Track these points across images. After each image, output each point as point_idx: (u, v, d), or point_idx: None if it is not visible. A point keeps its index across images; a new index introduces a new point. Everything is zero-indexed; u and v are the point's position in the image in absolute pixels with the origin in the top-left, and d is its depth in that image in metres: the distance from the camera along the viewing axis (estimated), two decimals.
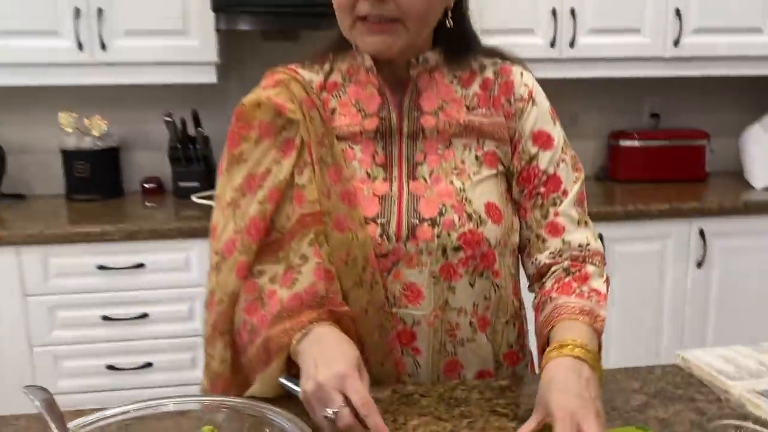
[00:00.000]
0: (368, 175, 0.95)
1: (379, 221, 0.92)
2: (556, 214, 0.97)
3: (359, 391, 0.75)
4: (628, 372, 0.98)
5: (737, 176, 2.72)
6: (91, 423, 0.69)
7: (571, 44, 2.42)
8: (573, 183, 0.99)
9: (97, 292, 2.07)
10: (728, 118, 2.93)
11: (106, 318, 2.06)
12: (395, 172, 0.95)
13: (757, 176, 2.58)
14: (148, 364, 2.11)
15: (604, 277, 0.96)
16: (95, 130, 2.43)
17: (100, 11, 2.19)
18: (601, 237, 2.17)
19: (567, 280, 0.94)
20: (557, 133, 1.00)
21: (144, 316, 2.09)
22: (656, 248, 2.32)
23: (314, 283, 0.89)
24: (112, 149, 2.51)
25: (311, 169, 0.92)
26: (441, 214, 0.92)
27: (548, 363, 0.82)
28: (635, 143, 2.71)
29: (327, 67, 1.00)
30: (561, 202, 0.97)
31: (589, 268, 0.95)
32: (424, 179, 0.94)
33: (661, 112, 2.89)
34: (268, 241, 0.93)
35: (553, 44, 2.41)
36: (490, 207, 0.94)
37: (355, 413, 0.74)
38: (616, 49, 2.46)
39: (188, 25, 2.24)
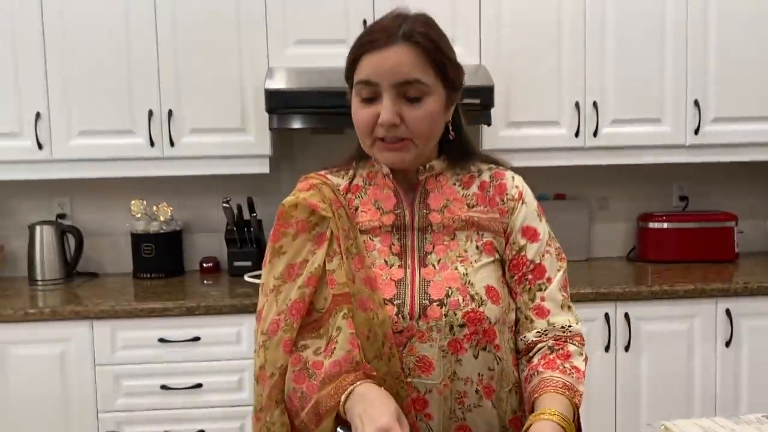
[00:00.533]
0: (386, 262, 1.12)
1: (395, 302, 1.08)
2: (542, 299, 1.13)
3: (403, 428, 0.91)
4: None
5: (767, 257, 2.79)
6: None
7: (595, 134, 2.60)
8: (557, 271, 1.15)
9: (158, 363, 2.28)
10: (759, 201, 3.03)
11: (164, 387, 2.26)
12: (408, 260, 1.12)
13: None
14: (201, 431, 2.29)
15: (584, 356, 1.11)
16: (162, 215, 2.72)
17: (170, 112, 2.51)
18: (627, 316, 2.30)
19: (552, 357, 1.09)
20: (543, 228, 1.17)
21: (198, 386, 2.28)
22: (684, 327, 2.40)
23: (350, 351, 1.04)
24: (175, 232, 2.79)
25: (340, 257, 1.11)
26: (447, 296, 1.08)
27: (533, 424, 0.97)
28: (664, 225, 2.83)
29: (351, 173, 1.21)
30: (546, 287, 1.13)
31: (571, 348, 1.10)
32: (433, 266, 1.11)
33: (690, 195, 3.02)
34: (309, 321, 1.10)
35: (577, 134, 2.60)
36: (489, 289, 1.10)
37: None
38: (638, 138, 2.63)
39: (246, 123, 2.53)
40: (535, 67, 2.58)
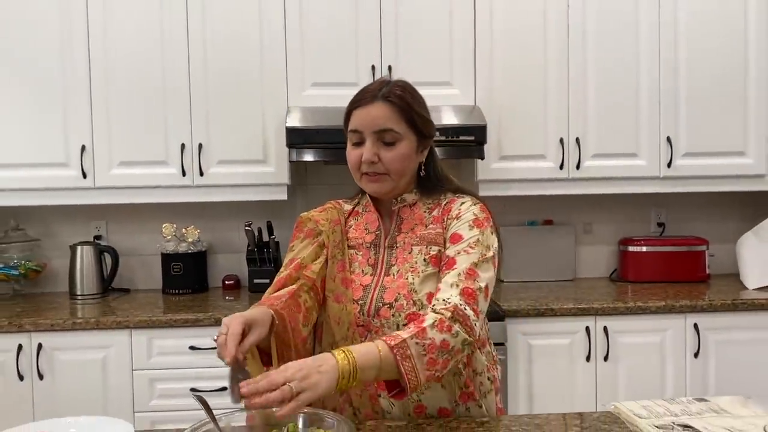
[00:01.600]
0: (362, 271, 1.44)
1: (360, 302, 1.40)
2: (439, 282, 1.33)
3: (236, 325, 1.16)
4: (573, 415, 1.40)
5: (735, 278, 3.09)
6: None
7: (578, 166, 2.91)
8: (465, 263, 1.32)
9: (188, 368, 2.57)
10: (730, 227, 3.33)
11: (194, 390, 2.54)
12: (378, 270, 1.43)
13: (750, 278, 2.95)
14: None
15: (433, 321, 1.21)
16: (190, 237, 3.03)
17: (200, 146, 2.83)
18: (606, 329, 2.57)
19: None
20: (469, 234, 1.36)
21: (224, 389, 2.56)
22: (657, 340, 2.68)
23: (282, 295, 1.34)
24: (201, 252, 3.09)
25: (324, 260, 1.44)
26: (396, 300, 1.37)
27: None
28: (642, 248, 3.13)
29: (356, 201, 1.56)
30: (447, 274, 1.32)
31: (428, 315, 1.24)
32: (393, 275, 1.41)
33: (666, 221, 3.32)
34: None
35: (561, 167, 2.91)
36: (430, 296, 1.34)
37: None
38: (616, 170, 2.93)
39: (267, 156, 2.85)
40: (524, 107, 2.90)
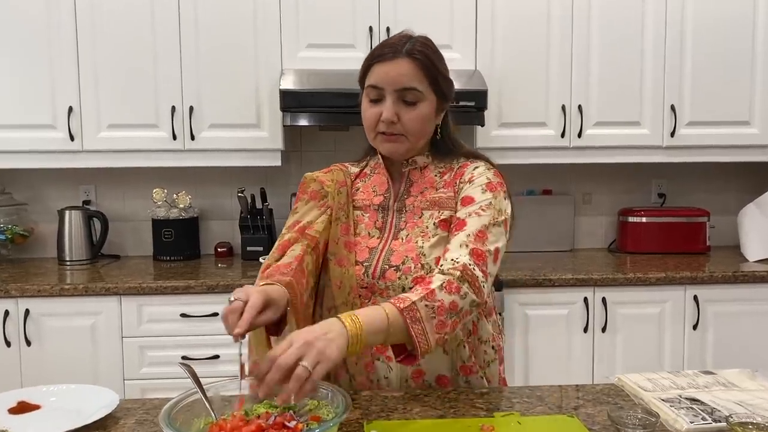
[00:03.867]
0: (369, 234, 1.39)
1: (365, 264, 1.34)
2: (449, 242, 1.27)
3: (258, 297, 1.09)
4: (576, 386, 1.35)
5: (736, 250, 3.05)
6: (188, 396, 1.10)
7: (579, 135, 2.84)
8: (477, 225, 1.27)
9: (179, 335, 2.52)
10: (731, 198, 3.28)
11: (185, 357, 2.50)
12: (386, 234, 1.38)
13: (750, 250, 2.91)
14: None
15: (442, 282, 1.17)
16: (181, 203, 2.96)
17: (191, 109, 2.74)
18: (604, 300, 2.54)
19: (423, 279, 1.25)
20: (482, 197, 1.31)
21: (216, 357, 2.52)
22: (655, 312, 2.64)
23: (290, 263, 1.27)
24: (193, 219, 3.02)
25: (328, 220, 1.38)
26: (403, 263, 1.32)
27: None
28: (642, 219, 3.07)
29: (364, 163, 1.50)
30: (456, 235, 1.27)
31: (436, 276, 1.19)
32: (402, 239, 1.36)
33: (667, 192, 3.27)
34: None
35: (563, 135, 2.84)
36: (438, 260, 1.28)
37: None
38: (618, 139, 2.87)
39: (260, 120, 2.77)
40: (525, 72, 2.82)
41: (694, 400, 1.22)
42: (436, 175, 1.42)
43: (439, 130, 1.41)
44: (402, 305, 1.12)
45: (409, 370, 1.34)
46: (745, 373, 1.37)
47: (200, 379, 1.12)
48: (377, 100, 1.33)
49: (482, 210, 1.30)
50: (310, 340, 0.99)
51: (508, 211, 1.34)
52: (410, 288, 1.27)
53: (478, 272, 1.21)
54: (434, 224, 1.35)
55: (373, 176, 1.46)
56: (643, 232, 3.08)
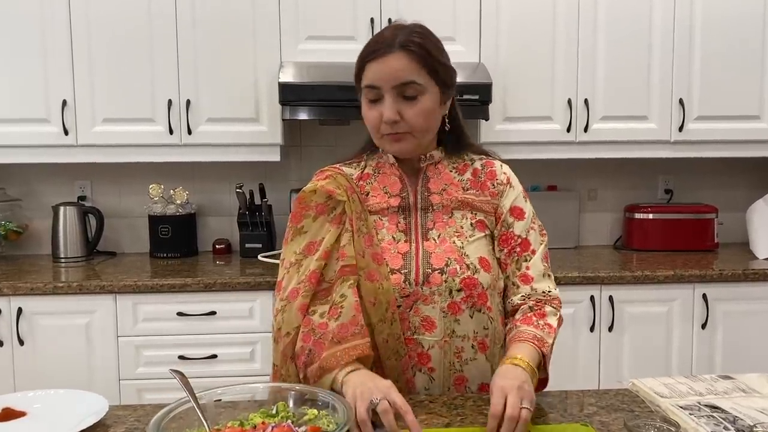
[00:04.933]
0: (393, 238, 1.30)
1: (402, 271, 1.25)
2: (527, 268, 1.32)
3: (400, 396, 1.05)
4: (589, 392, 1.29)
5: (745, 247, 2.98)
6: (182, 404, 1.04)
7: (585, 129, 2.78)
8: (539, 244, 1.35)
9: (176, 335, 2.46)
10: (740, 194, 3.21)
11: (182, 357, 2.44)
12: (413, 236, 1.30)
13: (760, 247, 2.84)
14: None
15: (558, 316, 1.32)
16: (178, 199, 2.89)
17: (188, 102, 2.68)
18: (611, 299, 2.48)
19: (530, 315, 1.30)
20: (528, 208, 1.37)
21: (213, 356, 2.46)
22: (663, 310, 2.58)
23: (355, 316, 1.21)
24: (190, 215, 2.96)
25: (351, 235, 1.28)
26: (447, 264, 1.26)
27: (500, 367, 1.17)
28: (649, 216, 3.01)
29: (362, 164, 1.39)
30: (531, 258, 1.33)
31: (547, 308, 1.30)
32: (434, 240, 1.29)
33: (674, 188, 3.20)
34: (319, 289, 1.27)
35: (569, 129, 2.77)
36: (482, 260, 1.28)
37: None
38: (626, 134, 2.80)
39: (259, 114, 2.70)
40: (530, 66, 2.75)
41: (714, 407, 1.15)
42: (452, 171, 1.36)
43: (446, 121, 1.34)
44: (545, 350, 1.25)
45: (452, 378, 1.29)
46: (765, 378, 1.31)
47: (200, 379, 1.05)
48: (376, 100, 1.26)
49: (533, 223, 1.36)
50: (520, 386, 1.08)
51: None
52: (458, 290, 1.26)
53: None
54: (471, 225, 1.31)
55: (378, 176, 1.36)
56: (649, 229, 3.01)
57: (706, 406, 1.16)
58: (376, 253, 1.27)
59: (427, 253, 1.28)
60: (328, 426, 0.97)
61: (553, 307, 1.32)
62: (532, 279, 1.32)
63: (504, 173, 1.38)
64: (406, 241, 1.29)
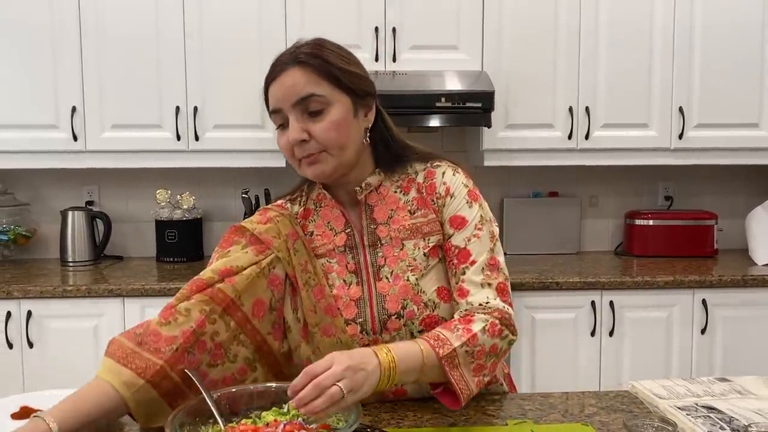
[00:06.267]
0: (344, 282, 1.20)
1: (358, 321, 1.18)
2: (463, 281, 1.18)
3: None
4: (589, 393, 1.33)
5: (744, 253, 3.02)
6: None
7: (586, 137, 2.82)
8: (485, 252, 1.19)
9: None
10: (739, 201, 3.25)
11: None
12: (364, 276, 1.20)
13: (759, 253, 2.88)
14: None
15: (488, 323, 1.12)
16: (184, 204, 2.93)
17: (195, 109, 2.72)
18: (611, 304, 2.51)
19: (454, 320, 1.15)
20: (471, 214, 1.21)
21: None
22: (663, 315, 2.61)
23: (176, 337, 1.08)
24: (196, 220, 3.00)
25: (257, 275, 1.15)
26: (404, 307, 1.17)
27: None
28: (649, 222, 3.05)
29: (303, 198, 1.27)
30: (468, 270, 1.18)
31: (477, 316, 1.13)
32: (387, 279, 1.19)
33: (674, 195, 3.24)
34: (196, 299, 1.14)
35: (570, 137, 2.81)
36: (440, 291, 1.19)
37: None
38: (626, 141, 2.84)
39: (265, 121, 2.74)
40: (532, 74, 2.79)
41: (710, 408, 1.19)
42: (396, 192, 1.25)
43: (368, 135, 1.21)
44: (441, 352, 1.07)
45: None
46: (762, 380, 1.34)
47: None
48: (284, 125, 1.16)
49: (478, 230, 1.20)
50: (352, 367, 0.96)
51: (490, 213, 1.26)
52: (419, 332, 1.17)
53: (509, 310, 1.17)
54: (424, 255, 1.20)
55: (320, 211, 1.24)
56: (650, 235, 3.05)
57: (702, 407, 1.20)
58: (330, 305, 1.18)
59: (381, 296, 1.19)
60: (337, 423, 1.01)
61: (485, 314, 1.14)
62: (467, 293, 1.17)
63: (443, 183, 1.23)
64: (357, 284, 1.20)
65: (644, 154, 2.87)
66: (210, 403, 1.02)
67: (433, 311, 1.18)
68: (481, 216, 1.22)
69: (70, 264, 2.89)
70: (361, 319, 1.18)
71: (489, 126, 2.70)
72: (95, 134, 2.71)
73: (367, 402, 1.23)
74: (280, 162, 2.79)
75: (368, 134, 1.21)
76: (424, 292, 1.19)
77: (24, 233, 2.94)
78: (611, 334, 2.59)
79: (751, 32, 2.83)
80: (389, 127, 1.27)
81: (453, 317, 1.18)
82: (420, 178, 1.25)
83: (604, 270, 2.75)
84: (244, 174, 3.05)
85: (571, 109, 2.81)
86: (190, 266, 2.87)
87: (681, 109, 2.83)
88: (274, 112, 1.18)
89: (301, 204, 1.27)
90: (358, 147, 1.20)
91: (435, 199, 1.23)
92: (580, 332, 2.59)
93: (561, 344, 2.59)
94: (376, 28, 2.72)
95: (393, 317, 1.18)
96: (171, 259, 2.95)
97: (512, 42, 2.78)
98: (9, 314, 2.43)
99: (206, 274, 1.17)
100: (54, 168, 2.85)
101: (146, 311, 2.48)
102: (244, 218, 2.93)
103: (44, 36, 2.67)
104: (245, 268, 1.16)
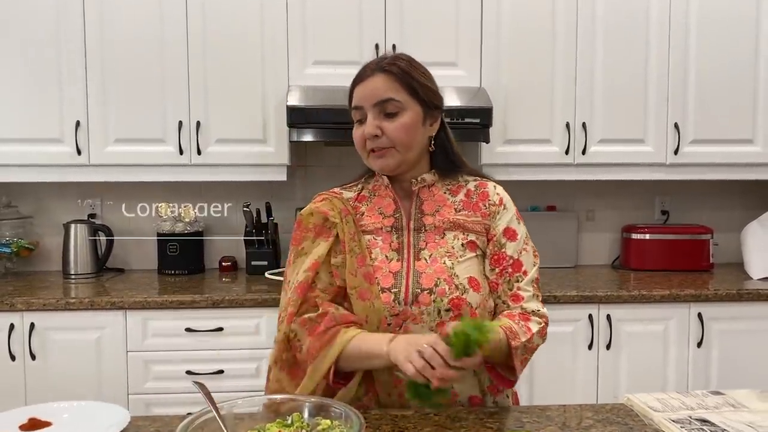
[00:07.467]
0: (386, 257, 1.35)
1: (392, 290, 1.31)
2: (518, 288, 1.36)
3: (443, 347, 1.12)
4: (586, 406, 1.35)
5: (739, 267, 3.05)
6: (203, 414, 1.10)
7: (583, 152, 2.86)
8: (532, 266, 1.38)
9: (184, 350, 2.51)
10: (734, 216, 3.29)
11: (189, 372, 2.49)
12: (405, 255, 1.35)
13: (754, 267, 2.91)
14: None
15: (541, 326, 1.34)
16: (186, 217, 2.97)
17: (198, 124, 2.76)
18: (609, 317, 2.54)
19: (513, 313, 1.35)
20: (521, 230, 1.40)
21: (220, 372, 2.52)
22: (660, 329, 2.64)
23: (347, 314, 1.31)
24: (198, 233, 3.03)
25: (343, 256, 1.34)
26: (436, 285, 1.30)
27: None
28: (646, 236, 3.08)
29: (360, 186, 1.47)
30: (522, 279, 1.36)
31: (533, 318, 1.34)
32: (425, 260, 1.34)
33: (670, 209, 3.28)
34: (309, 296, 1.32)
35: (567, 152, 2.85)
36: (471, 280, 1.32)
37: None
38: (622, 156, 2.88)
39: (267, 135, 2.78)
40: (530, 90, 2.84)
41: (704, 421, 1.22)
42: (445, 193, 1.41)
43: (432, 143, 1.40)
44: (514, 343, 1.26)
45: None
46: (755, 394, 1.37)
47: (198, 397, 1.12)
48: (362, 121, 1.35)
49: (526, 245, 1.39)
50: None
51: None
52: (446, 310, 1.30)
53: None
54: (462, 245, 1.35)
55: (374, 199, 1.42)
56: (646, 249, 3.08)
57: (696, 419, 1.23)
58: (368, 273, 1.32)
59: (418, 272, 1.32)
60: None
61: (539, 318, 1.35)
62: (522, 299, 1.35)
63: (497, 194, 1.42)
64: (398, 260, 1.34)
65: (640, 169, 2.91)
66: (216, 415, 1.05)
67: (462, 294, 1.31)
68: (527, 233, 1.42)
69: (72, 276, 2.91)
70: (395, 290, 1.31)
71: (487, 141, 2.74)
72: (99, 148, 2.75)
73: (368, 413, 1.26)
74: (281, 176, 2.82)
75: (432, 142, 1.40)
76: (457, 276, 1.32)
77: (27, 246, 2.97)
78: (608, 347, 2.62)
79: (745, 50, 2.88)
80: (450, 140, 1.44)
81: (478, 306, 1.32)
82: (471, 186, 1.43)
83: (601, 284, 2.79)
84: (246, 187, 3.08)
85: (568, 125, 2.85)
86: (191, 279, 2.89)
87: (676, 125, 2.88)
88: (355, 109, 1.36)
89: (356, 191, 1.45)
90: (421, 150, 1.38)
91: (488, 205, 1.40)
92: (577, 345, 2.62)
93: (559, 357, 2.61)
94: (377, 45, 2.76)
95: (425, 292, 1.30)
96: (172, 272, 2.97)
97: (510, 59, 2.83)
98: (12, 326, 2.45)
99: (300, 276, 1.34)
100: (58, 181, 2.88)
101: (148, 324, 2.50)
102: (245, 231, 2.99)
103: (49, 51, 2.70)
104: (326, 255, 1.35)
